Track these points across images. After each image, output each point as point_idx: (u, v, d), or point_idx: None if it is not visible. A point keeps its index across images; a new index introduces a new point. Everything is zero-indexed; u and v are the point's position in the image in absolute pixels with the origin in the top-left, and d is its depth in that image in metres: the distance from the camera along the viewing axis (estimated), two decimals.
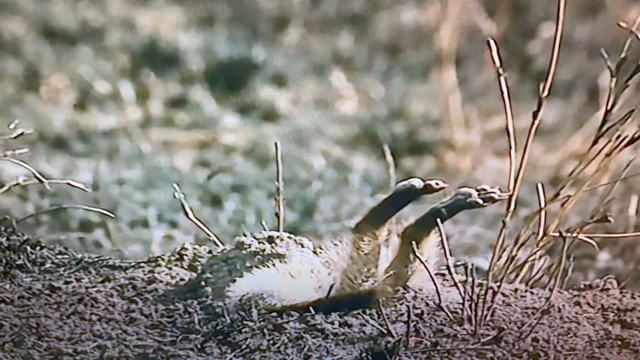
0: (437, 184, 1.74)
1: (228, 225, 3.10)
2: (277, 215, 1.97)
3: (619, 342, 1.72)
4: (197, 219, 1.99)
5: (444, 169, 3.56)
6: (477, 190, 1.77)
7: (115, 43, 4.24)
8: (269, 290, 1.70)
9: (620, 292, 1.85)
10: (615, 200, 1.94)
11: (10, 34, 4.16)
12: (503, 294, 1.81)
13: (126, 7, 4.41)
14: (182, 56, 4.18)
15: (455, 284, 1.75)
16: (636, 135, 1.89)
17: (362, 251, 1.73)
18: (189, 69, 4.14)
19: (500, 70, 1.86)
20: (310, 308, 1.69)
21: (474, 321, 1.71)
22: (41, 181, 1.94)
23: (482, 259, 2.69)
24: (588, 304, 1.81)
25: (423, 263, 1.73)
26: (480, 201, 1.76)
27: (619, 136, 1.89)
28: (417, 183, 1.75)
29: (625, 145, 1.89)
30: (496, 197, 1.76)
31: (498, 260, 1.85)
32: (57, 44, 4.21)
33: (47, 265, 1.89)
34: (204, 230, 2.00)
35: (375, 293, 1.69)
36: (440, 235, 1.74)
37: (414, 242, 1.74)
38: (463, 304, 1.73)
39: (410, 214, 1.79)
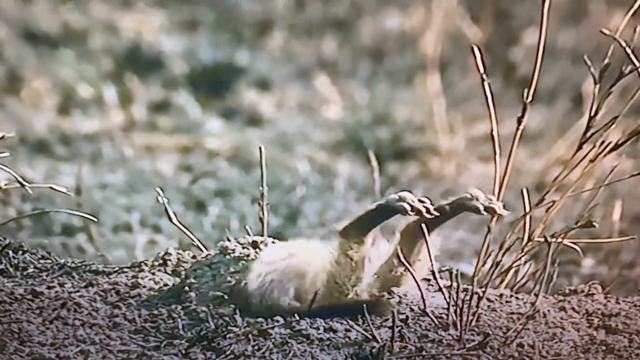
0: (427, 209, 1.71)
1: (212, 230, 3.09)
2: (261, 220, 1.96)
3: (604, 348, 1.73)
4: (180, 223, 1.98)
5: (429, 174, 3.57)
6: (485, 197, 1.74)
7: (98, 46, 4.22)
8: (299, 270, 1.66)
9: (605, 298, 1.86)
10: (600, 206, 1.94)
11: None
12: (488, 299, 1.81)
13: (109, 10, 4.38)
14: (166, 60, 4.16)
15: (440, 289, 1.75)
16: (620, 142, 1.90)
17: (350, 257, 1.72)
18: (173, 73, 4.12)
19: (485, 76, 1.86)
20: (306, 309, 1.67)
21: (459, 326, 1.71)
22: (23, 185, 1.92)
23: (467, 264, 2.69)
24: (573, 309, 1.81)
25: (408, 268, 1.73)
26: (482, 207, 1.74)
27: (603, 142, 1.90)
28: (407, 207, 1.69)
29: (609, 152, 1.91)
30: (497, 210, 1.74)
31: (483, 265, 1.85)
32: (39, 47, 4.18)
33: (30, 270, 1.87)
34: (187, 235, 1.99)
35: (375, 303, 1.68)
36: (425, 239, 1.74)
37: (399, 248, 1.73)
38: (448, 309, 1.73)
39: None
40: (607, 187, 1.93)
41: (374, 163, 2.59)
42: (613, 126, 1.89)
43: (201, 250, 1.94)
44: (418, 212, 1.71)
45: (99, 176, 3.41)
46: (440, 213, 1.74)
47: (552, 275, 1.79)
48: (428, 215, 1.71)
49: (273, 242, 1.83)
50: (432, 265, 1.73)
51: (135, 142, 3.72)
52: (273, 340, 1.68)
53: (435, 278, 1.74)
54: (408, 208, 1.70)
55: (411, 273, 1.73)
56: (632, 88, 1.90)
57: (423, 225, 1.72)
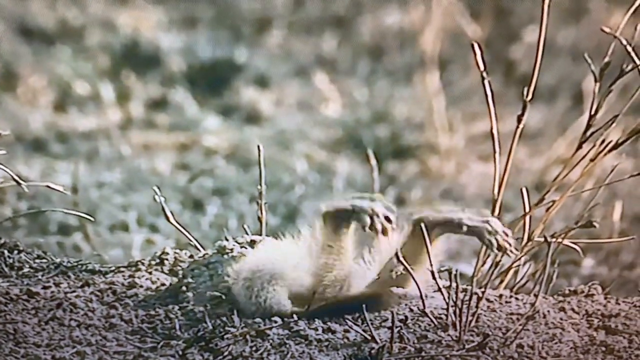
0: (384, 230, 1.67)
1: (209, 229, 3.08)
2: (260, 219, 1.95)
3: (604, 348, 1.72)
4: (177, 222, 1.96)
5: (428, 173, 3.56)
6: (503, 232, 1.69)
7: (95, 43, 4.20)
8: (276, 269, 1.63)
9: (605, 298, 1.85)
10: (600, 206, 1.93)
11: None
12: (487, 300, 1.80)
13: (106, 6, 4.37)
14: (164, 57, 4.14)
15: (440, 290, 1.74)
16: (620, 141, 1.89)
17: (331, 245, 1.69)
18: (171, 70, 4.11)
19: (485, 74, 1.85)
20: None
21: (458, 327, 1.70)
22: (19, 183, 1.91)
23: (466, 264, 2.68)
24: (573, 309, 1.80)
25: (406, 267, 1.71)
26: (495, 245, 1.71)
27: (603, 141, 1.89)
28: (368, 222, 1.64)
29: (610, 151, 1.90)
30: (507, 250, 1.71)
31: (482, 265, 1.84)
32: (35, 43, 4.16)
33: (25, 270, 1.86)
34: (185, 235, 1.98)
35: (382, 296, 1.66)
36: (425, 242, 1.72)
37: (398, 250, 1.72)
38: (447, 309, 1.72)
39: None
40: (608, 186, 1.92)
41: (373, 162, 2.57)
42: (613, 125, 1.88)
43: (198, 249, 1.93)
44: (375, 230, 1.68)
45: (95, 174, 3.39)
46: (454, 226, 1.71)
47: (551, 275, 1.78)
48: (382, 236, 1.68)
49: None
50: (431, 265, 1.72)
51: (132, 140, 3.70)
52: (271, 341, 1.67)
53: (434, 278, 1.73)
54: (368, 223, 1.67)
55: (410, 273, 1.72)
56: (633, 86, 1.89)
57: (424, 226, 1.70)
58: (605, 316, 1.79)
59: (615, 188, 3.02)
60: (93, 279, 1.81)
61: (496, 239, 1.72)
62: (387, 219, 1.68)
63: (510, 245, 1.72)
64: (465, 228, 1.72)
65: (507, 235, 1.72)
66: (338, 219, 1.69)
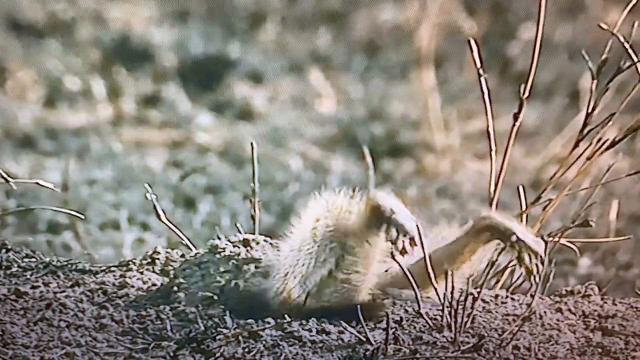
0: (404, 249, 1.66)
1: (202, 227, 3.05)
2: (253, 217, 1.93)
3: (600, 350, 1.71)
4: (169, 221, 1.94)
5: (424, 171, 3.54)
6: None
7: (86, 37, 4.16)
8: None
9: (602, 299, 1.84)
10: (596, 205, 1.92)
11: None
12: (483, 300, 1.79)
13: (97, 0, 4.33)
14: (155, 52, 4.11)
15: (435, 290, 1.72)
16: (617, 139, 1.88)
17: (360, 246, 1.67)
18: (162, 65, 4.08)
19: (481, 71, 1.83)
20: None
21: (453, 328, 1.69)
22: (7, 181, 1.88)
23: None
24: (569, 310, 1.79)
25: (401, 267, 1.70)
26: (526, 263, 1.69)
27: (599, 140, 1.88)
28: (394, 234, 1.65)
29: (606, 149, 1.88)
30: (532, 273, 1.69)
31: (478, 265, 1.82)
32: (24, 37, 4.12)
33: (13, 269, 1.84)
34: (176, 233, 1.96)
35: (374, 307, 1.65)
36: (421, 242, 1.70)
37: (394, 248, 1.69)
38: (442, 310, 1.70)
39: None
40: (604, 185, 1.90)
41: (369, 159, 2.55)
42: (610, 123, 1.87)
43: (190, 248, 1.91)
44: (395, 247, 1.67)
45: (86, 172, 3.37)
46: (506, 234, 1.70)
47: (548, 275, 1.76)
48: (400, 256, 1.67)
49: (265, 241, 1.80)
50: (430, 265, 1.70)
51: (123, 136, 3.67)
52: (264, 342, 1.65)
53: (430, 279, 1.71)
54: (394, 236, 1.66)
55: (406, 274, 1.70)
56: (629, 84, 1.88)
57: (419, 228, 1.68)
58: (601, 317, 1.78)
59: (611, 187, 3.01)
60: (83, 279, 1.79)
61: (530, 258, 1.70)
62: (412, 240, 1.67)
63: (537, 272, 1.70)
64: (514, 238, 1.69)
65: (542, 262, 1.70)
66: (374, 217, 1.66)
